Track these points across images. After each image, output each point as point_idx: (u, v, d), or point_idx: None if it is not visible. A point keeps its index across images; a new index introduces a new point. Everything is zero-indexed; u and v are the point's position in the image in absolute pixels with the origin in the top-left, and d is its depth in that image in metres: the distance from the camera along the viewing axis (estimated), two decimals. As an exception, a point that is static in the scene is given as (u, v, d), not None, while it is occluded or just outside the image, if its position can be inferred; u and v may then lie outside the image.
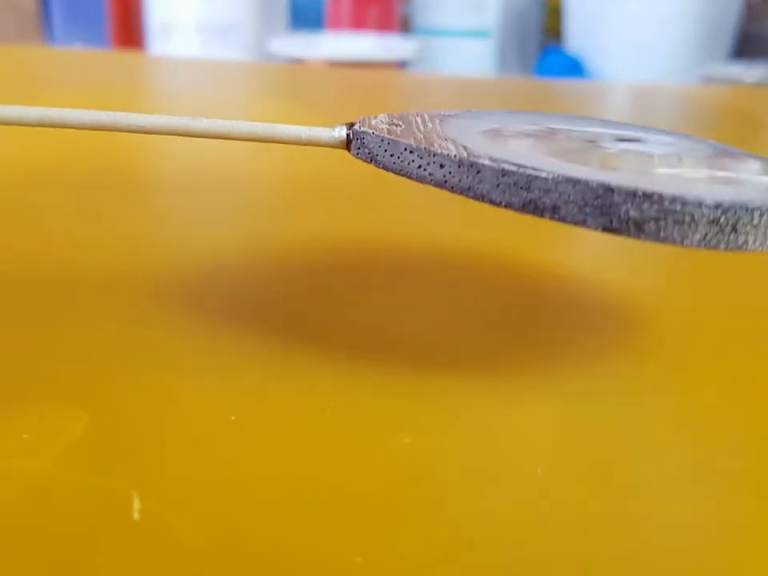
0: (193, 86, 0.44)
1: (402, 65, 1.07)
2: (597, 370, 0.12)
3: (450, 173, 0.11)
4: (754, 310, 0.15)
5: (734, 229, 0.10)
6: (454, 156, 0.11)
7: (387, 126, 0.12)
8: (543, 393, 0.12)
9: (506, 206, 0.10)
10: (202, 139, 0.12)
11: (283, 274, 0.16)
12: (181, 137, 0.12)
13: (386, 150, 0.11)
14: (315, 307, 0.14)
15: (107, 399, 0.11)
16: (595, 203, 0.10)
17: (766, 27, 1.19)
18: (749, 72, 1.01)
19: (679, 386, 0.12)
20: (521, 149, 0.11)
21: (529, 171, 0.10)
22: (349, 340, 0.13)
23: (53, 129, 0.11)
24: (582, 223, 0.10)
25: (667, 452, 0.10)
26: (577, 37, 1.18)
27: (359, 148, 0.11)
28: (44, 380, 0.11)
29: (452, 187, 0.11)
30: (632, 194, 0.10)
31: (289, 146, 0.12)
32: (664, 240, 0.10)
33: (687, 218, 0.10)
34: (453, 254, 0.17)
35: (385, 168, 0.11)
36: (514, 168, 0.10)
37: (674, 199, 0.10)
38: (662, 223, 0.10)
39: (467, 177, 0.10)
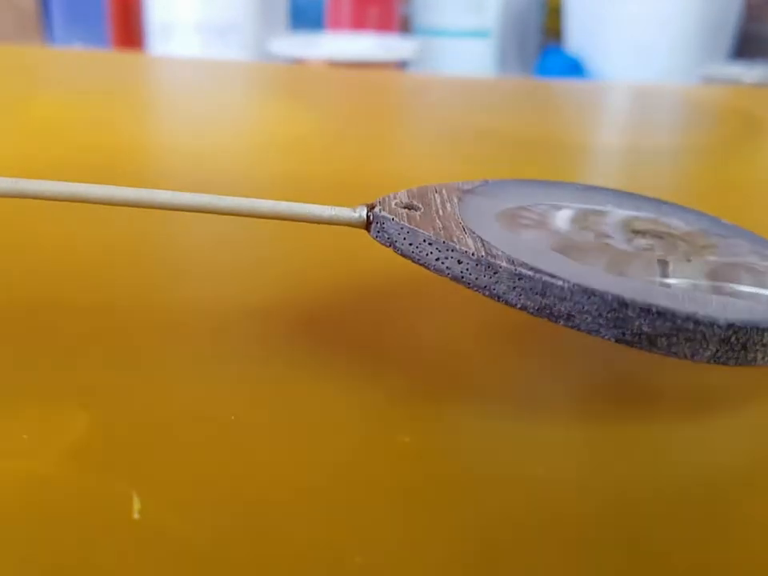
0: (193, 87, 0.44)
1: (402, 65, 1.07)
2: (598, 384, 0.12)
3: (468, 270, 0.11)
4: None
5: (744, 347, 0.10)
6: (473, 254, 0.11)
7: (407, 210, 0.12)
8: (541, 399, 0.12)
9: (520, 308, 0.11)
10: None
11: (285, 279, 0.16)
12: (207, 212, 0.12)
13: (404, 239, 0.11)
14: (315, 314, 0.14)
15: (107, 400, 0.11)
16: (609, 316, 0.10)
17: (766, 27, 1.19)
18: (749, 72, 1.01)
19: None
20: (537, 243, 0.11)
21: (545, 278, 0.10)
22: (349, 344, 0.13)
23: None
24: (596, 333, 0.10)
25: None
26: (577, 37, 1.18)
27: (379, 232, 0.12)
28: (44, 380, 0.11)
29: (468, 283, 0.11)
30: (646, 311, 0.10)
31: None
32: (675, 354, 0.10)
33: (699, 336, 0.10)
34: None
35: (403, 255, 0.11)
36: (530, 273, 0.10)
37: (687, 318, 0.10)
38: (674, 339, 0.10)
39: (484, 276, 0.11)
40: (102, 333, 0.13)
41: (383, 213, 0.12)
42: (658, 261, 0.12)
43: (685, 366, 0.11)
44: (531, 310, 0.10)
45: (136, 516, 0.09)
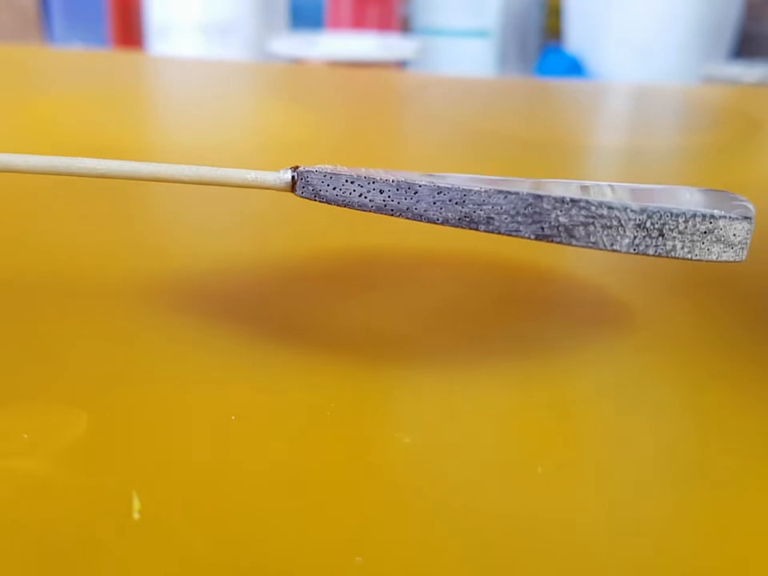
0: (192, 86, 0.44)
1: (402, 65, 1.07)
2: (594, 366, 0.12)
3: (390, 197, 0.11)
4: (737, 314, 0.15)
5: (661, 233, 0.11)
6: (393, 181, 0.11)
7: (330, 165, 0.12)
8: (543, 393, 0.12)
9: (442, 223, 0.11)
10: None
11: (281, 278, 0.16)
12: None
13: (328, 185, 0.12)
14: (313, 309, 0.14)
15: (107, 399, 0.11)
16: (526, 212, 0.11)
17: (766, 27, 1.19)
18: (749, 72, 1.01)
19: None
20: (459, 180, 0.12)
21: (463, 186, 0.11)
22: (347, 342, 0.13)
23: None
24: (516, 232, 0.11)
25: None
26: (577, 37, 1.18)
27: (304, 187, 0.12)
28: (44, 380, 0.11)
29: (391, 210, 0.11)
30: (560, 200, 0.10)
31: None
32: (595, 245, 0.11)
33: (615, 222, 0.10)
34: (446, 258, 0.17)
35: (328, 202, 0.12)
36: (448, 185, 0.11)
37: (600, 204, 0.10)
38: (591, 228, 0.10)
39: (405, 198, 0.11)
40: (103, 333, 0.13)
41: (307, 168, 0.12)
42: (580, 187, 0.12)
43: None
44: (452, 222, 0.11)
45: (136, 516, 0.09)
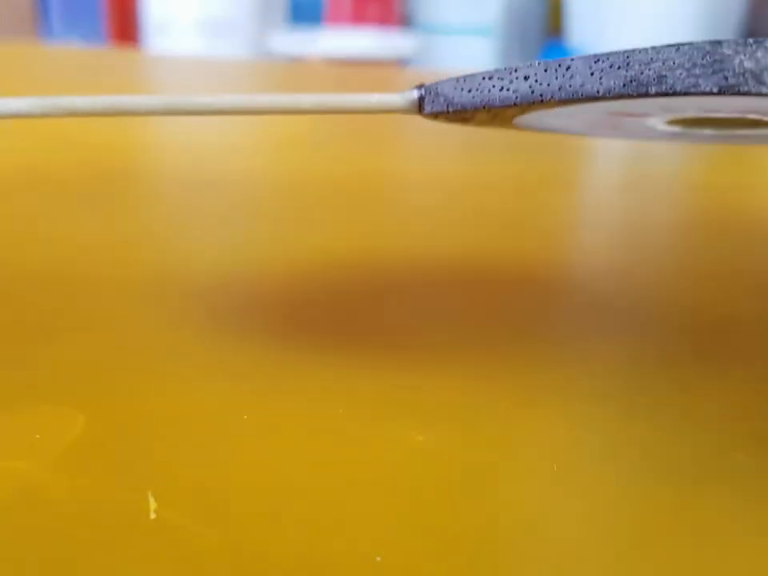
0: (190, 84, 0.43)
1: (402, 62, 1.07)
2: (605, 372, 0.12)
3: (537, 80, 0.10)
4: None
5: None
6: (538, 63, 0.10)
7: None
8: (556, 393, 0.11)
9: (604, 94, 0.10)
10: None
11: (291, 277, 0.16)
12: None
13: (462, 89, 0.10)
14: (325, 309, 0.14)
15: (109, 400, 0.11)
16: (705, 62, 0.09)
17: (767, 27, 1.19)
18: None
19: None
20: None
21: (625, 50, 0.09)
22: (359, 340, 0.13)
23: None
24: (695, 87, 0.09)
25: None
26: (578, 34, 1.18)
27: (433, 101, 0.11)
28: (44, 380, 0.11)
29: (541, 95, 0.10)
30: (743, 44, 0.09)
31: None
32: None
33: None
34: (463, 262, 0.17)
35: (464, 108, 0.10)
36: (606, 54, 0.09)
37: None
38: None
39: (556, 78, 0.10)
40: (103, 332, 0.13)
41: (436, 83, 0.11)
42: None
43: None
44: (616, 89, 0.09)
45: (152, 516, 0.08)
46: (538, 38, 1.32)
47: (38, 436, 0.10)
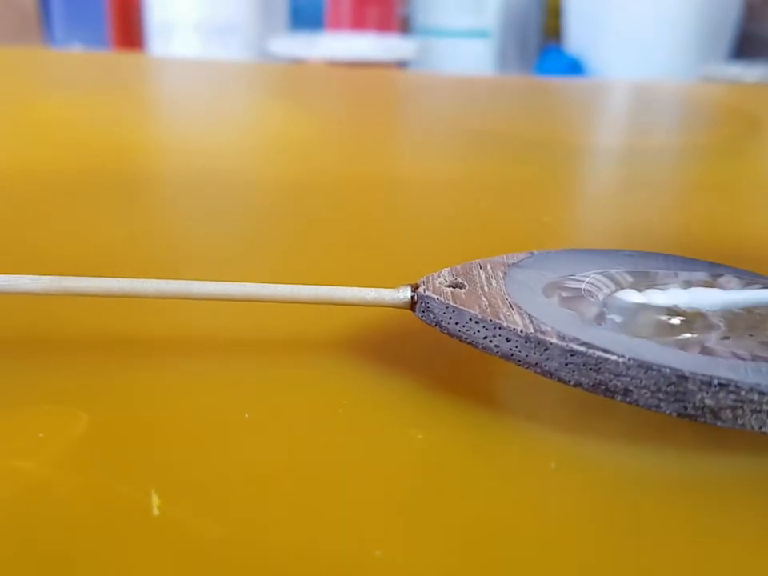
0: (193, 87, 0.44)
1: (401, 65, 1.07)
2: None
3: (517, 347, 0.10)
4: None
5: None
6: (521, 331, 0.10)
7: (451, 289, 0.11)
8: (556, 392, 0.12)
9: (574, 385, 0.10)
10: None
11: (290, 278, 0.16)
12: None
13: (450, 318, 0.11)
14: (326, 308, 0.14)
15: (111, 398, 0.11)
16: (669, 389, 0.10)
17: (766, 27, 1.19)
18: (749, 72, 1.01)
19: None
20: (586, 315, 0.11)
21: (598, 353, 0.10)
22: (356, 338, 0.13)
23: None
24: (656, 408, 0.10)
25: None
26: (577, 36, 1.18)
27: (423, 312, 0.11)
28: (44, 380, 0.11)
29: (519, 361, 0.11)
30: (707, 383, 0.10)
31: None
32: (742, 427, 0.10)
33: (766, 407, 0.10)
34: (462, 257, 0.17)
35: (449, 334, 0.11)
36: (582, 349, 0.10)
37: (751, 389, 0.10)
38: (740, 411, 0.10)
39: (534, 353, 0.10)
40: (104, 331, 0.13)
41: (427, 293, 0.11)
42: (722, 338, 0.11)
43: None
44: (586, 386, 0.10)
45: (155, 512, 0.09)
46: (536, 41, 1.32)
47: (41, 434, 0.10)
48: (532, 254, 0.13)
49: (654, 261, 0.13)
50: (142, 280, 0.12)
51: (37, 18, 1.17)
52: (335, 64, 0.90)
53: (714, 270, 0.13)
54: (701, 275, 0.13)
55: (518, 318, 0.11)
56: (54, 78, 0.45)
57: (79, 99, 0.35)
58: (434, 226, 0.19)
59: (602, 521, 0.09)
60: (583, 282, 0.12)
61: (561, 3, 1.21)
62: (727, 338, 0.11)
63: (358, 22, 1.18)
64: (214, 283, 0.12)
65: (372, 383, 0.12)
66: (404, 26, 1.27)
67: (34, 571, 0.08)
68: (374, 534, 0.09)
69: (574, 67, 1.15)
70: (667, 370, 0.10)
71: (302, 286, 0.12)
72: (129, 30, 1.18)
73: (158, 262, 0.16)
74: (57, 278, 0.11)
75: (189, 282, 0.12)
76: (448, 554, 0.08)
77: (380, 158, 0.27)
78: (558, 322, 0.11)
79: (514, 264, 0.13)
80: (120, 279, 0.11)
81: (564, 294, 0.12)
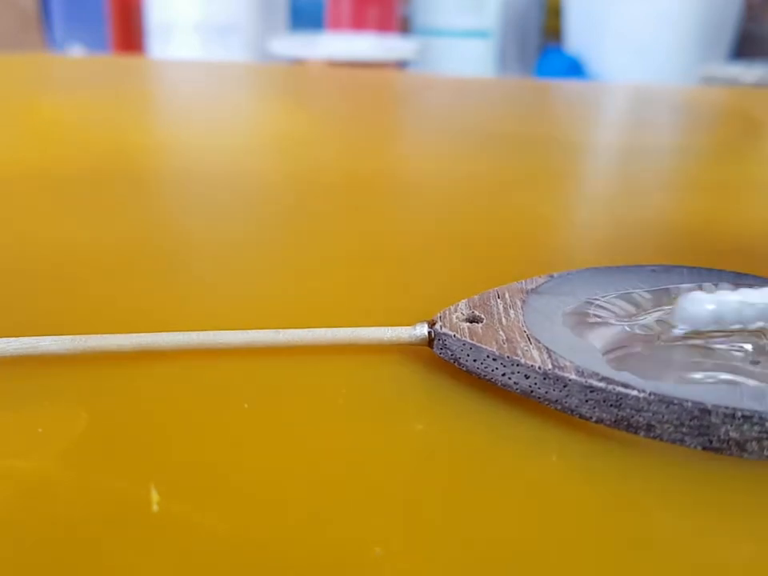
0: (193, 88, 0.44)
1: (401, 65, 1.07)
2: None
3: (536, 384, 0.10)
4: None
5: None
6: (539, 368, 0.10)
7: (468, 324, 0.11)
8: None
9: (596, 422, 0.10)
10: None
11: (291, 276, 0.16)
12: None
13: (468, 355, 0.11)
14: (325, 308, 0.14)
15: (110, 396, 0.11)
16: (692, 424, 0.10)
17: (766, 27, 1.19)
18: (749, 72, 1.01)
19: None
20: (609, 341, 0.11)
21: (618, 389, 0.10)
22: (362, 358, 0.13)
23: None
24: (680, 442, 0.10)
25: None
26: (576, 37, 1.18)
27: (441, 349, 0.11)
28: (43, 378, 0.11)
29: (538, 398, 0.10)
30: (731, 416, 0.09)
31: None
32: None
33: None
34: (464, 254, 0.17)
35: (468, 371, 0.11)
36: (602, 385, 0.10)
37: None
38: (766, 443, 0.09)
39: (554, 390, 0.10)
40: (104, 331, 0.13)
41: (444, 329, 0.11)
42: (751, 362, 0.11)
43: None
44: (608, 422, 0.10)
45: (155, 508, 0.09)
46: (536, 42, 1.32)
47: (40, 430, 0.10)
48: (552, 276, 0.13)
49: (677, 275, 0.13)
50: (158, 334, 0.12)
51: (37, 19, 1.17)
52: (335, 64, 0.90)
53: (740, 280, 0.13)
54: (726, 286, 0.13)
55: (535, 353, 0.11)
56: (56, 81, 0.45)
57: (81, 102, 0.35)
58: (435, 226, 0.19)
59: (604, 516, 0.09)
60: (603, 308, 0.12)
61: (561, 3, 1.21)
62: (757, 362, 0.11)
63: (358, 22, 1.18)
64: (232, 332, 0.12)
65: (370, 371, 0.12)
66: (404, 26, 1.28)
67: (34, 568, 0.08)
68: (373, 530, 0.09)
69: (574, 67, 1.15)
70: (689, 403, 0.09)
71: (321, 329, 0.12)
72: (129, 31, 1.18)
73: (159, 261, 0.16)
74: (78, 337, 0.12)
75: (207, 333, 0.12)
76: (448, 552, 0.08)
77: (380, 157, 0.27)
78: (577, 355, 0.10)
79: (532, 290, 0.12)
80: (140, 335, 0.12)
81: (585, 321, 0.12)
